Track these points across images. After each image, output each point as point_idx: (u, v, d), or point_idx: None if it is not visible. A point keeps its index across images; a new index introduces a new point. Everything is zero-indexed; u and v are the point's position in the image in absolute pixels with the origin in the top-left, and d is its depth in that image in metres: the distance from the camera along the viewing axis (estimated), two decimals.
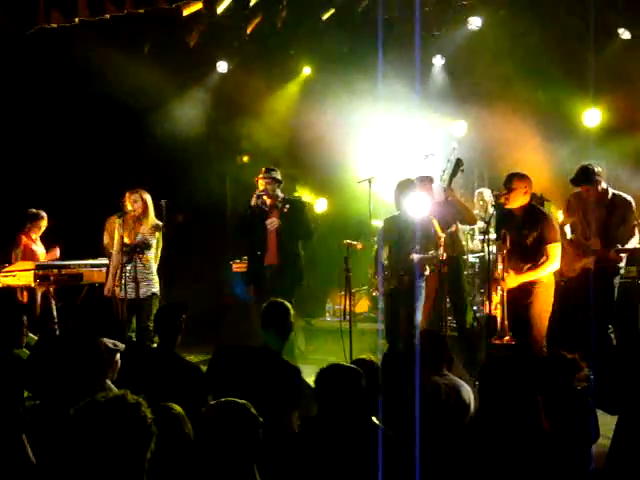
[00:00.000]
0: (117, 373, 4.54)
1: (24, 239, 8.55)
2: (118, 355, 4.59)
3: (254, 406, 2.88)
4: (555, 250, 6.43)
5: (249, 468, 2.76)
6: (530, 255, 6.48)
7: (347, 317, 7.62)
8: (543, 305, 6.49)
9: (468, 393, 4.63)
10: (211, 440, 2.75)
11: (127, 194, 7.53)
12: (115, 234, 7.57)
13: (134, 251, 7.38)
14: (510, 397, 2.92)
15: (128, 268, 7.35)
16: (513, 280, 6.39)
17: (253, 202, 7.40)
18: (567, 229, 7.16)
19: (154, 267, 7.53)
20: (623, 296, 7.26)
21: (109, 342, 4.59)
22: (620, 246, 6.79)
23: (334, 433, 3.39)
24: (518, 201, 6.44)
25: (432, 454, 3.14)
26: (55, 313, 8.52)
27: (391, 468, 3.44)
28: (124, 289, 7.31)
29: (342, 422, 3.39)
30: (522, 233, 6.49)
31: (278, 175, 7.50)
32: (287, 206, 7.48)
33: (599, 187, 6.81)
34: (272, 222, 7.39)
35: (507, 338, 6.51)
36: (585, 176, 6.80)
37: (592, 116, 9.15)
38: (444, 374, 4.76)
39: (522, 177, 6.52)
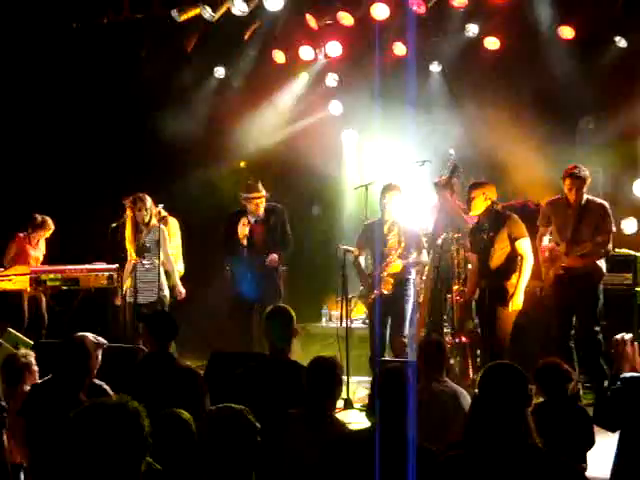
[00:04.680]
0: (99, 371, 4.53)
1: (21, 239, 8.57)
2: (100, 351, 4.60)
3: (253, 412, 2.88)
4: (524, 245, 6.73)
5: (247, 475, 2.75)
6: (499, 257, 6.72)
7: (343, 323, 7.63)
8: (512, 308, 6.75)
9: (467, 400, 4.63)
10: (208, 446, 2.74)
11: (130, 199, 7.59)
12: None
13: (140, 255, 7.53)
14: (504, 405, 2.90)
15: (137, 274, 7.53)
16: (516, 300, 6.65)
17: (241, 234, 7.74)
18: (545, 239, 7.16)
19: (161, 270, 7.58)
20: (618, 304, 7.29)
21: (91, 337, 4.65)
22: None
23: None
24: (479, 207, 6.75)
25: (431, 461, 3.13)
26: (46, 318, 8.51)
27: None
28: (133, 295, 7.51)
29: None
30: (488, 236, 6.65)
31: (260, 188, 7.75)
32: (272, 219, 7.83)
33: (583, 189, 6.84)
34: (272, 262, 7.71)
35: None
36: (569, 171, 6.85)
37: (589, 123, 9.17)
38: (443, 380, 4.77)
39: (478, 185, 6.91)
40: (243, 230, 7.76)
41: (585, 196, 6.88)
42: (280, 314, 4.73)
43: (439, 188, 7.53)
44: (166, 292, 7.64)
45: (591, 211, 6.85)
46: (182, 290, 7.78)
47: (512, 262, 6.75)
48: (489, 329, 6.73)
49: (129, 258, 7.65)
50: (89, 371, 4.22)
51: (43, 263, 8.70)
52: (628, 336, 4.10)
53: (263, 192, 7.76)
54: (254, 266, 7.76)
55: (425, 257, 7.16)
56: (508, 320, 6.71)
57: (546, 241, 7.10)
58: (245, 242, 7.80)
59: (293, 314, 4.72)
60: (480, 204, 6.74)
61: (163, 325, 4.90)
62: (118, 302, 7.76)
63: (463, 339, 7.11)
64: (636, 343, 4.15)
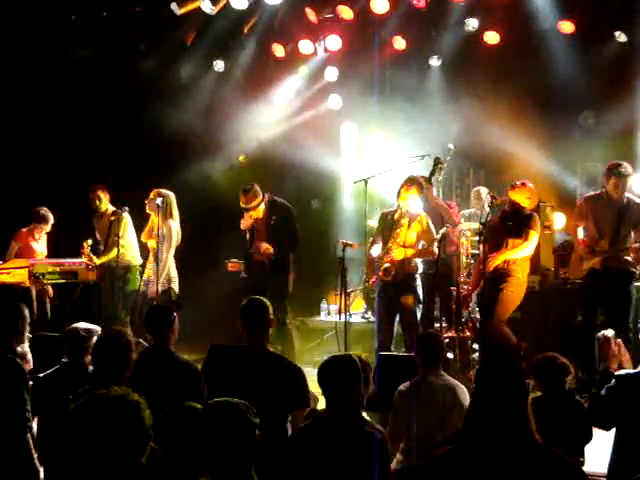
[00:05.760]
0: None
1: (24, 234, 8.59)
2: (94, 339, 4.64)
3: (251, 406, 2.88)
4: (533, 235, 6.79)
5: (246, 469, 2.75)
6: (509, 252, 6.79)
7: (342, 317, 7.63)
8: (512, 295, 6.83)
9: (464, 393, 4.65)
10: (208, 440, 2.74)
11: (152, 194, 7.80)
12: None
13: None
14: (503, 400, 2.91)
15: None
16: (494, 260, 6.72)
17: (242, 226, 7.68)
18: (580, 231, 7.18)
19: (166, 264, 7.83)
20: None
21: (82, 327, 4.74)
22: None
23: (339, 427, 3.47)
24: (520, 198, 6.79)
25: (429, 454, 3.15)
26: (49, 312, 8.54)
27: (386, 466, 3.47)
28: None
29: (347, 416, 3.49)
30: (505, 225, 6.67)
31: (257, 192, 7.62)
32: (274, 217, 7.67)
33: (627, 187, 6.83)
34: (265, 250, 7.59)
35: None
36: (619, 170, 6.80)
37: (588, 117, 9.17)
38: (440, 374, 4.78)
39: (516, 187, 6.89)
40: (246, 221, 7.72)
41: (626, 194, 6.87)
42: (255, 306, 4.72)
43: (426, 184, 7.54)
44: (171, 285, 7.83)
45: (631, 210, 6.83)
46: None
47: (522, 261, 6.82)
48: (487, 315, 6.77)
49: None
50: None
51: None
52: (610, 333, 4.11)
53: (257, 201, 7.65)
54: (257, 262, 7.73)
55: (436, 250, 7.07)
56: (506, 305, 6.78)
57: (580, 234, 7.14)
58: (248, 236, 7.76)
59: (268, 304, 4.71)
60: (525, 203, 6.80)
61: (154, 319, 4.91)
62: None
63: (467, 333, 7.12)
64: (619, 340, 4.16)
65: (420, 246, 7.01)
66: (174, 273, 7.99)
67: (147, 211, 7.91)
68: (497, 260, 6.76)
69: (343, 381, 3.51)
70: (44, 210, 8.63)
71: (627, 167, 6.82)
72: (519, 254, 6.80)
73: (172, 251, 7.92)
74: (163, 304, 7.08)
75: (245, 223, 7.72)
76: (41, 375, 4.82)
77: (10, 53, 9.47)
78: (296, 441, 3.62)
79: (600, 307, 6.90)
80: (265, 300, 4.72)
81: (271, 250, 7.62)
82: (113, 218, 8.01)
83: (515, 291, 6.83)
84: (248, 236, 7.77)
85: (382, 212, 7.48)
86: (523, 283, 6.90)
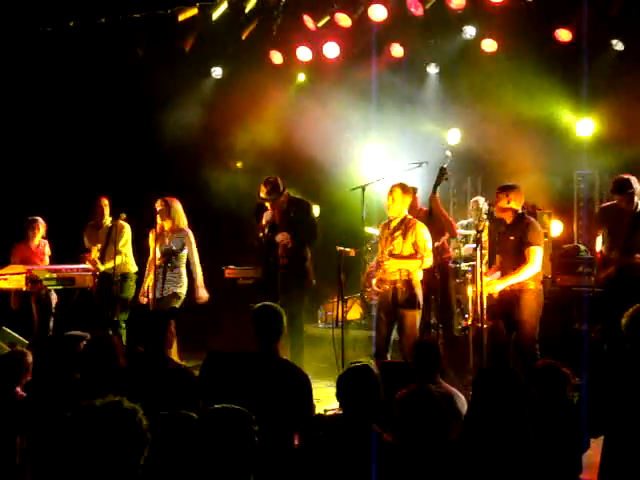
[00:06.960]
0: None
1: (20, 247, 8.60)
2: (83, 343, 4.61)
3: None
4: (535, 253, 6.63)
5: (245, 477, 2.73)
6: (515, 259, 6.67)
7: (339, 324, 7.62)
8: (531, 311, 6.68)
9: (462, 402, 4.64)
10: (205, 447, 2.73)
11: (158, 201, 7.74)
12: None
13: (164, 260, 7.67)
14: (501, 407, 2.91)
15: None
16: (495, 285, 6.61)
17: (264, 221, 7.60)
18: (598, 241, 7.18)
19: (182, 270, 7.82)
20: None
21: (72, 334, 4.68)
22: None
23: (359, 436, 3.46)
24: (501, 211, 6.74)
25: (425, 462, 3.14)
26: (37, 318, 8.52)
27: (386, 473, 3.46)
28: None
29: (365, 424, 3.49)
30: (508, 239, 6.65)
31: (279, 184, 7.60)
32: (293, 209, 7.64)
33: (633, 201, 6.82)
34: (282, 239, 7.50)
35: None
36: (619, 187, 6.83)
37: (585, 126, 9.20)
38: (438, 382, 4.77)
39: (504, 189, 6.80)
40: (269, 215, 7.69)
41: None
42: (269, 311, 4.70)
43: (432, 193, 7.54)
44: (176, 290, 7.77)
45: None
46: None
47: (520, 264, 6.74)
48: (509, 330, 6.71)
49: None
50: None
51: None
52: None
53: (278, 194, 7.60)
54: (276, 256, 7.66)
55: (427, 258, 7.04)
56: (531, 323, 6.64)
57: (599, 245, 7.13)
58: (267, 230, 7.70)
59: (282, 311, 4.70)
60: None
61: (149, 324, 4.90)
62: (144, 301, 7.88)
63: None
64: None
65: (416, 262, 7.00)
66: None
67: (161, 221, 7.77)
68: (494, 285, 6.61)
69: (365, 392, 3.52)
70: (31, 217, 8.62)
71: (625, 183, 6.77)
72: (523, 276, 6.59)
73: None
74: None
75: (267, 216, 7.65)
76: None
77: (9, 59, 9.48)
78: (313, 449, 3.60)
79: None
80: (278, 307, 4.72)
81: (289, 240, 7.54)
82: (111, 225, 8.00)
83: (533, 304, 6.66)
84: (267, 231, 7.67)
85: (381, 224, 7.41)
86: (539, 292, 6.72)
